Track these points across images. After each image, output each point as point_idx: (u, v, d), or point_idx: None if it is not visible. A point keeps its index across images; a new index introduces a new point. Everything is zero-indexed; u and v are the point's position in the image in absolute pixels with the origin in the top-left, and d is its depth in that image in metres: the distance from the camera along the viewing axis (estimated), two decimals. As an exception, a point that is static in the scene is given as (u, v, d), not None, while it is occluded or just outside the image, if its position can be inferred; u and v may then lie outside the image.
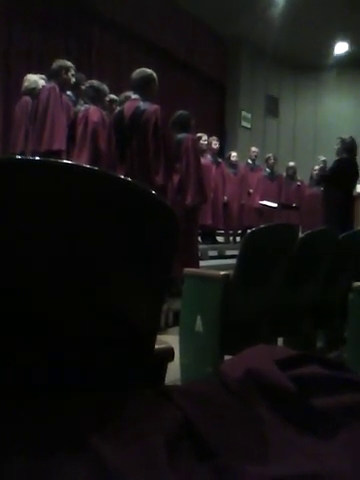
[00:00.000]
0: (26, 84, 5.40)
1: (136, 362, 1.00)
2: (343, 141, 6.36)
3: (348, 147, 6.31)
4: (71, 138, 4.45)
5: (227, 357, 2.18)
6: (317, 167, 8.62)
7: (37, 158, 0.72)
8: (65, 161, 0.73)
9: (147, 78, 4.25)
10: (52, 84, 4.78)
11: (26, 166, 0.70)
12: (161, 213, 0.86)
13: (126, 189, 0.80)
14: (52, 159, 0.73)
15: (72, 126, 4.46)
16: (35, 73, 5.64)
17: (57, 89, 4.74)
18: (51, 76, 4.95)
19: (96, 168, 0.74)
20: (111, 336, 0.89)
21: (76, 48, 9.31)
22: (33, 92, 5.20)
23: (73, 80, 4.95)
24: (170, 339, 1.21)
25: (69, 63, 4.93)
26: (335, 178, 6.23)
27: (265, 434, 0.76)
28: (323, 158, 8.50)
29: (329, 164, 7.12)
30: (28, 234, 0.73)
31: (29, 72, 5.90)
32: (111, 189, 0.77)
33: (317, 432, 0.78)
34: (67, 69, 4.86)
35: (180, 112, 5.03)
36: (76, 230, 0.77)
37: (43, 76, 5.37)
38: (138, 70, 4.31)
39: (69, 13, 9.06)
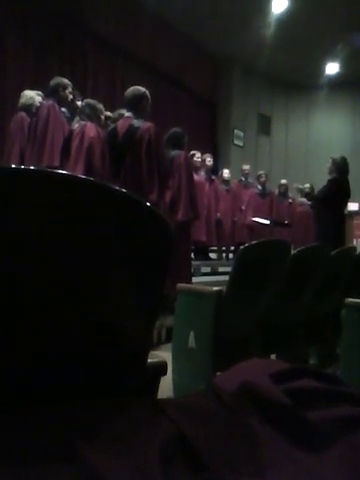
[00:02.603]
0: (23, 100, 5.43)
1: (129, 375, 1.00)
2: (334, 161, 6.54)
3: (339, 167, 6.49)
4: (65, 153, 4.47)
5: (219, 374, 2.16)
6: (304, 190, 8.83)
7: (34, 168, 0.73)
8: (64, 172, 0.74)
9: (140, 96, 4.30)
10: (50, 102, 4.84)
11: (28, 175, 0.71)
12: (157, 224, 0.87)
13: (124, 200, 0.81)
14: (53, 170, 0.74)
15: (67, 141, 4.48)
16: (31, 89, 5.68)
17: (56, 107, 4.79)
18: (49, 93, 5.01)
19: (92, 179, 0.75)
20: (104, 348, 0.89)
21: (70, 65, 9.39)
22: (30, 108, 5.24)
23: (70, 97, 5.02)
24: (163, 355, 1.20)
25: (66, 81, 5.01)
26: (327, 198, 6.40)
27: (259, 447, 0.76)
28: (308, 185, 8.79)
29: (319, 184, 7.24)
30: (26, 239, 0.73)
31: (23, 88, 5.94)
32: (108, 200, 0.77)
33: (312, 446, 0.78)
34: (64, 87, 4.94)
35: (174, 129, 5.07)
36: (72, 240, 0.77)
37: (40, 92, 5.42)
38: (131, 88, 4.36)
39: (63, 30, 9.16)
